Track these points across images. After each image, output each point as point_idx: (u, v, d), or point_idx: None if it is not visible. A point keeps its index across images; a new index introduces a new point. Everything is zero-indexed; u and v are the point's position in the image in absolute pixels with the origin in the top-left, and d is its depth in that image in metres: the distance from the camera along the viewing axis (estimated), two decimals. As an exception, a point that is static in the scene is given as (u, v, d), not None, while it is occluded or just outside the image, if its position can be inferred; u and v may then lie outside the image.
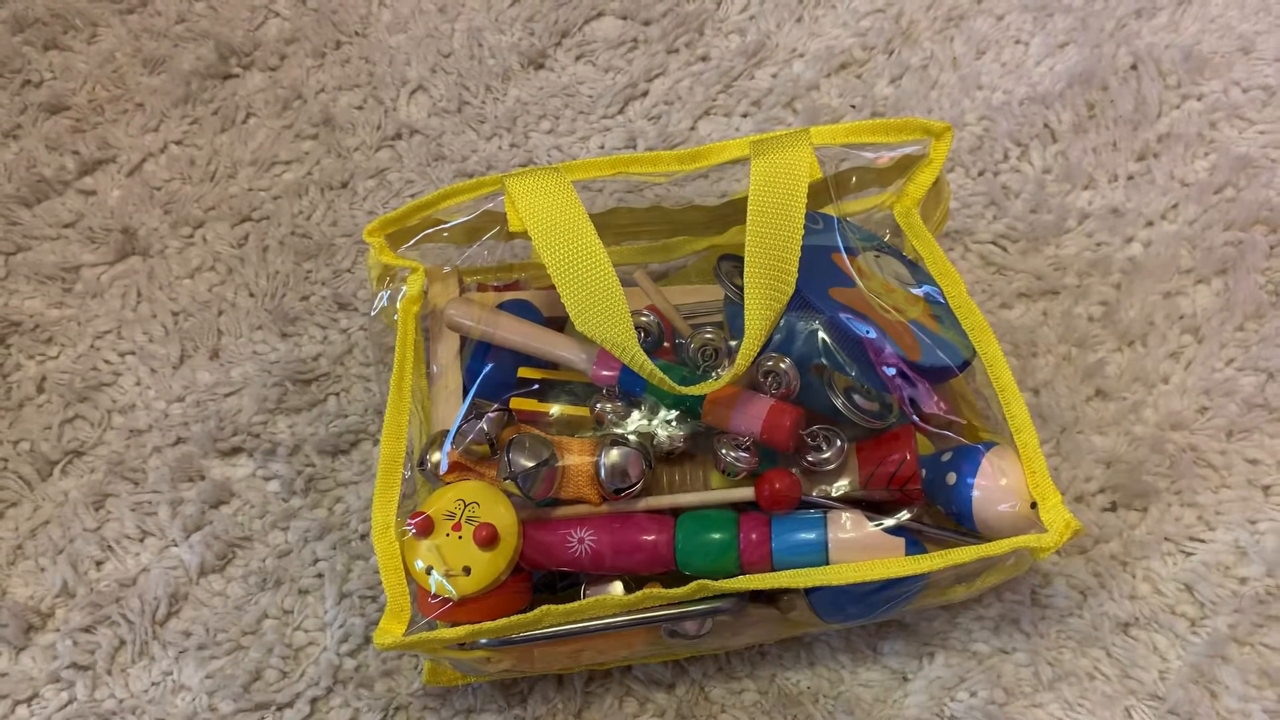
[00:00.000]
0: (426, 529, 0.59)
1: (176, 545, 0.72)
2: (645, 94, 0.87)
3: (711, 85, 0.86)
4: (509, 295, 0.70)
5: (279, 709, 0.67)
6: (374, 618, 0.69)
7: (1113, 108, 0.83)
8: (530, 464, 0.59)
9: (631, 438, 0.61)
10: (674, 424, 0.62)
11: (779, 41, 0.88)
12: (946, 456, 0.61)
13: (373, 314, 0.69)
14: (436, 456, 0.62)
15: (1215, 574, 0.68)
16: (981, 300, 0.77)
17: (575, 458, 0.61)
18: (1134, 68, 0.84)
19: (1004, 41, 0.86)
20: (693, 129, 0.85)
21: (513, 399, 0.64)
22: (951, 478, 0.60)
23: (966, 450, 0.61)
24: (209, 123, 0.86)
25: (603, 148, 0.85)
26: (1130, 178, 0.81)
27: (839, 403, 0.61)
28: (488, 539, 0.58)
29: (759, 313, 0.58)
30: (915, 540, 0.60)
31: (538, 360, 0.66)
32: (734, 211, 0.71)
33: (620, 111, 0.86)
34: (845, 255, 0.65)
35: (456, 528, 0.59)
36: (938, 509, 0.62)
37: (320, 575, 0.71)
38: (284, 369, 0.77)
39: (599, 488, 0.61)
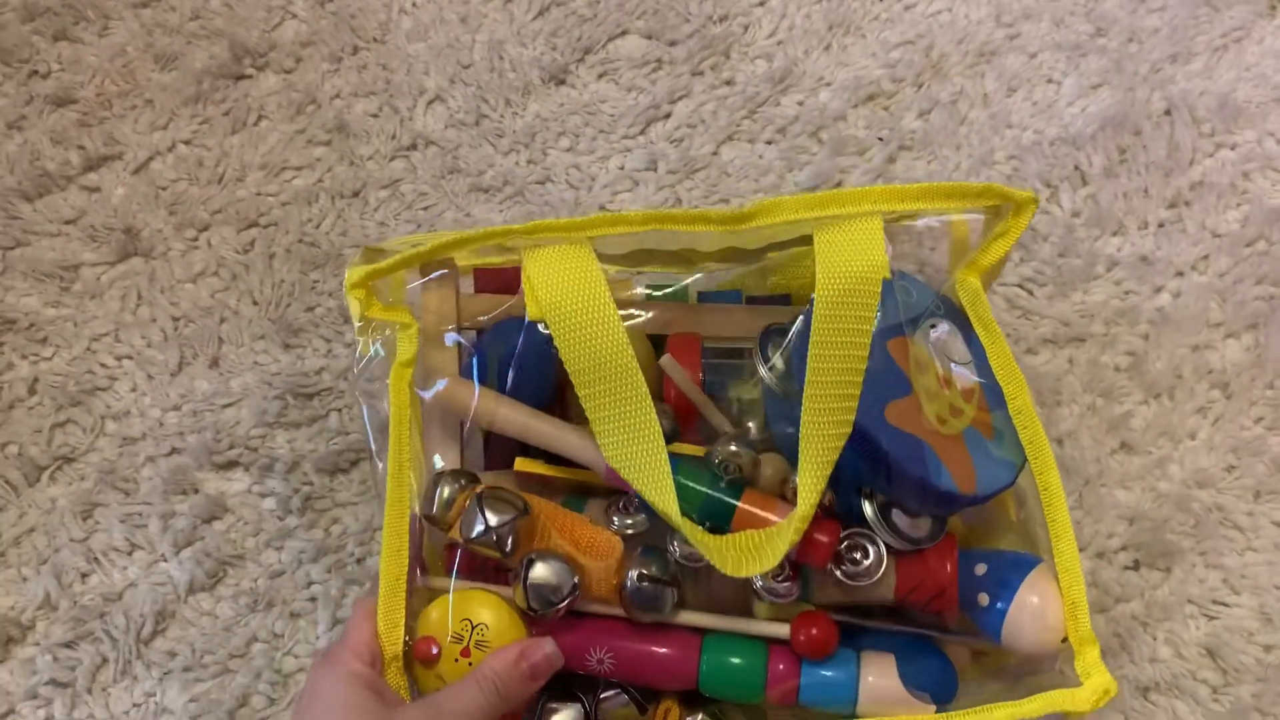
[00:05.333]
0: (431, 659, 0.55)
1: (166, 560, 0.69)
2: (668, 116, 0.85)
3: (736, 110, 0.84)
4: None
5: (265, 737, 0.65)
6: (368, 646, 0.67)
7: (1145, 153, 0.81)
8: (496, 521, 0.55)
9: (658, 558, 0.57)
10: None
11: (806, 69, 0.86)
12: (980, 570, 0.58)
13: (356, 371, 0.61)
14: (447, 492, 0.57)
15: (1239, 640, 0.66)
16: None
17: (593, 562, 0.57)
18: (1167, 113, 0.83)
19: (1036, 80, 0.85)
20: (715, 154, 0.83)
21: (517, 461, 0.60)
22: (984, 599, 0.57)
23: (1003, 571, 0.57)
24: (219, 123, 0.84)
25: (622, 169, 0.83)
26: (1161, 225, 0.79)
27: (883, 533, 0.58)
28: None
29: (814, 473, 0.53)
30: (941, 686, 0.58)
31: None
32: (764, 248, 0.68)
33: (642, 132, 0.84)
34: (902, 337, 0.59)
35: (465, 653, 0.55)
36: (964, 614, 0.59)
37: (314, 599, 0.68)
38: (285, 382, 0.74)
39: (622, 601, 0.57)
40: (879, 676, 0.56)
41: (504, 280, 0.65)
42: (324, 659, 0.53)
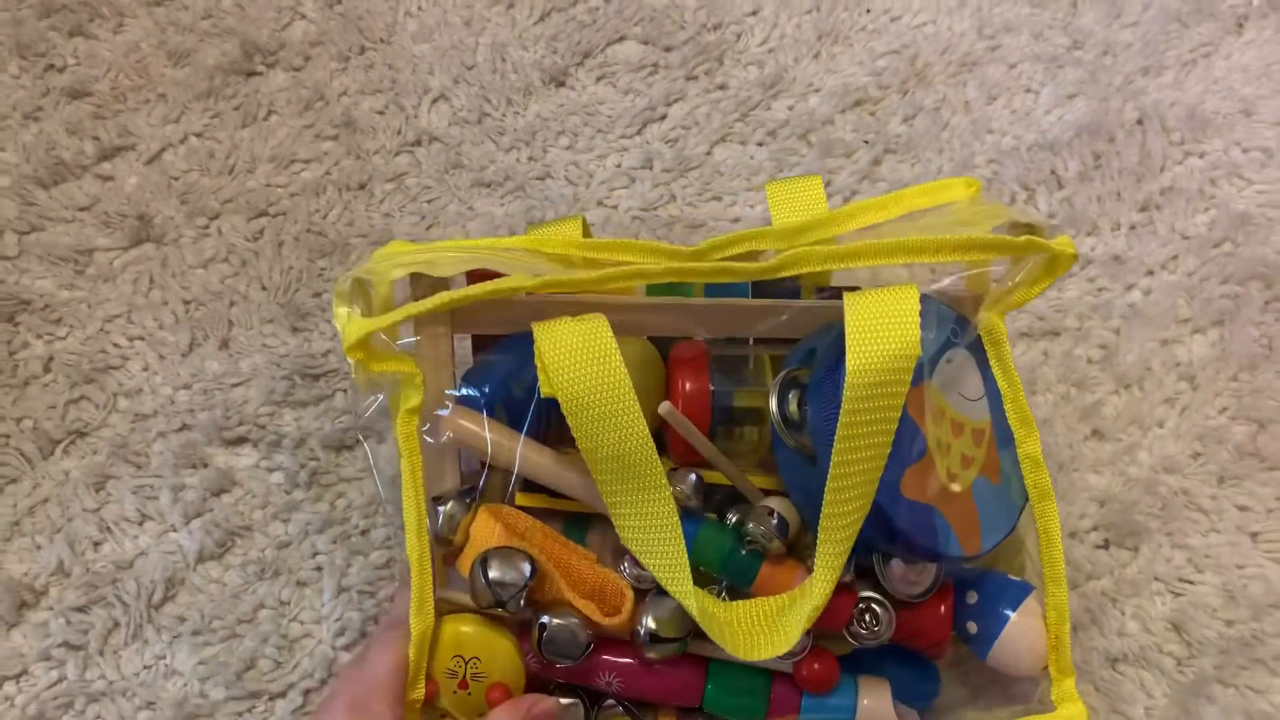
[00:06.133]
0: (431, 697, 0.56)
1: (176, 530, 0.72)
2: (664, 117, 0.88)
3: (729, 113, 0.88)
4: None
5: (271, 699, 0.67)
6: (371, 613, 0.70)
7: (1118, 159, 0.85)
8: (504, 587, 0.55)
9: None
10: (721, 594, 0.59)
11: (796, 75, 0.90)
12: (971, 598, 0.61)
13: (359, 417, 0.63)
14: (450, 508, 0.57)
15: (1203, 615, 0.70)
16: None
17: (607, 620, 0.57)
18: (1140, 122, 0.87)
19: (1015, 89, 0.89)
20: (709, 154, 0.87)
21: (518, 496, 0.60)
22: (973, 627, 0.60)
23: (995, 600, 0.60)
24: (230, 117, 0.87)
25: (619, 166, 0.86)
26: (1132, 227, 0.83)
27: (885, 584, 0.60)
28: (502, 700, 0.56)
29: (831, 562, 0.54)
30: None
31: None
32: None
33: (638, 132, 0.88)
34: (919, 386, 0.58)
35: (463, 685, 0.56)
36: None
37: (319, 568, 0.71)
38: (293, 363, 0.77)
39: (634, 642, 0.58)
40: (874, 700, 0.59)
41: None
42: (351, 702, 0.54)
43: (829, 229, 0.61)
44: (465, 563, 0.57)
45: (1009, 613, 0.59)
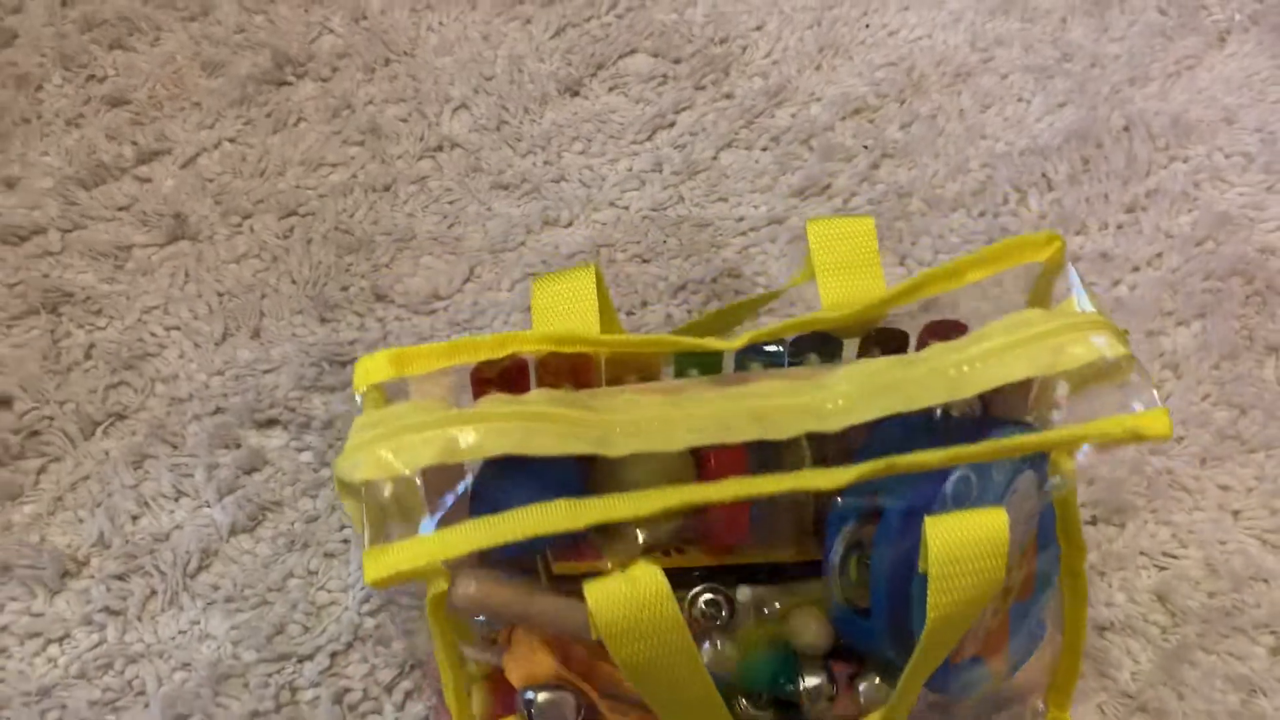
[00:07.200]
0: None
1: (210, 506, 0.76)
2: (673, 124, 0.93)
3: (734, 120, 0.93)
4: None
5: (300, 660, 0.71)
6: (395, 582, 0.73)
7: (1105, 163, 0.89)
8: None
9: None
10: (760, 704, 0.58)
11: (799, 85, 0.94)
12: None
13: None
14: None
15: (1186, 587, 0.73)
16: (978, 328, 0.83)
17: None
18: (1126, 129, 0.91)
19: (1007, 98, 0.93)
20: (715, 158, 0.91)
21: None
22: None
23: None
24: (262, 124, 0.92)
25: (630, 170, 0.90)
26: (1119, 227, 0.87)
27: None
28: None
29: None
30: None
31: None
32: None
33: (649, 139, 0.92)
34: None
35: None
36: None
37: (346, 541, 0.75)
38: (321, 350, 0.81)
39: None
40: None
41: (506, 378, 0.57)
42: None
43: (885, 308, 0.56)
44: (510, 672, 0.56)
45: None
